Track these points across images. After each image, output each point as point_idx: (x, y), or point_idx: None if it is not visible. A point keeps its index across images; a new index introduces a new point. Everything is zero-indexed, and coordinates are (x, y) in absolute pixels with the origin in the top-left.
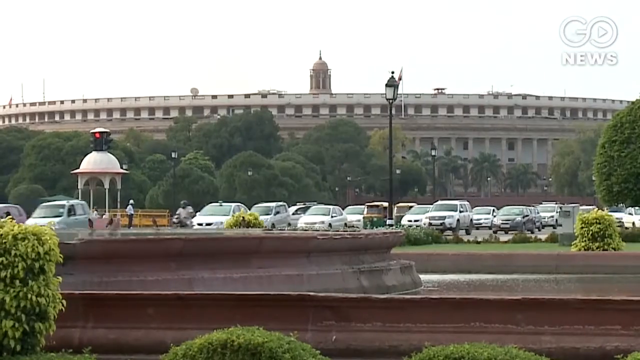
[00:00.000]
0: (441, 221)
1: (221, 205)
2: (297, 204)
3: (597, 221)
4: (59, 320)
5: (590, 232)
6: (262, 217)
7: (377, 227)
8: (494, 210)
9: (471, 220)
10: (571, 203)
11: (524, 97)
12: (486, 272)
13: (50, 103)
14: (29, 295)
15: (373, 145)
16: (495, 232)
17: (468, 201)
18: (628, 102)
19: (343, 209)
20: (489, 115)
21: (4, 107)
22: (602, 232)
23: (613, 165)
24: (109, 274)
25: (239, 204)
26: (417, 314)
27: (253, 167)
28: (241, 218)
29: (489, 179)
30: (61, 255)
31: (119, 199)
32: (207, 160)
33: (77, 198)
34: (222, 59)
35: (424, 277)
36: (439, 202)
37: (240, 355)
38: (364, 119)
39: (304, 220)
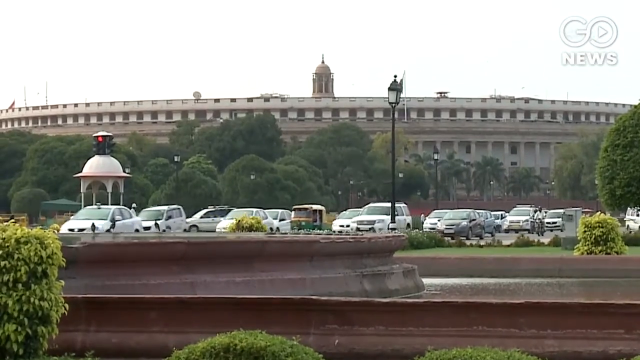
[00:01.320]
0: (370, 226)
1: (99, 209)
2: (209, 207)
3: (600, 225)
4: (61, 324)
5: (593, 236)
6: (148, 223)
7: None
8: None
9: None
10: (574, 207)
11: (527, 100)
12: (489, 276)
13: (53, 107)
14: (32, 299)
15: (375, 149)
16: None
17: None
18: (631, 105)
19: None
20: (491, 119)
21: (7, 110)
22: (604, 236)
23: (616, 169)
24: (112, 278)
25: (122, 207)
26: (420, 317)
27: (256, 171)
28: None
29: (491, 182)
30: (64, 259)
31: (121, 203)
32: (209, 164)
33: (80, 202)
34: (224, 62)
35: (426, 280)
36: (371, 205)
37: (242, 359)
38: (366, 123)
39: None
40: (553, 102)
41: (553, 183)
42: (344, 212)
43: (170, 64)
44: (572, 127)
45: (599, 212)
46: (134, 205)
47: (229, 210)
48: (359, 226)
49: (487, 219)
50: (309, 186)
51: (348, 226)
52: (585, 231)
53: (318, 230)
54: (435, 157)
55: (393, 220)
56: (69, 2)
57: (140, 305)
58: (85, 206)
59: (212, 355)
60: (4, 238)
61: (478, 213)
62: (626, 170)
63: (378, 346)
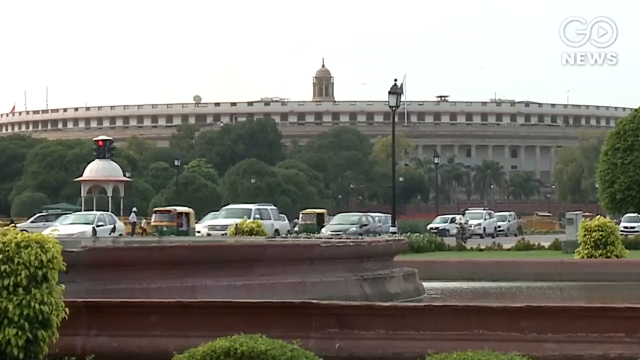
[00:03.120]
0: (222, 232)
1: (85, 214)
2: (44, 210)
3: (600, 228)
4: (62, 328)
5: (593, 240)
6: (82, 228)
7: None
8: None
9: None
10: (574, 210)
11: (527, 104)
12: (489, 280)
13: (53, 111)
14: (32, 303)
15: (376, 153)
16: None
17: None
18: (631, 109)
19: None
20: (491, 123)
21: (7, 115)
22: (604, 240)
23: (616, 173)
24: (112, 282)
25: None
26: (420, 321)
27: (256, 175)
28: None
29: (492, 186)
30: (64, 263)
31: (121, 207)
32: (210, 168)
33: (80, 206)
34: (225, 66)
35: (427, 284)
36: (230, 207)
37: None
38: (366, 127)
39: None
40: (553, 105)
41: (553, 187)
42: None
43: (170, 68)
44: (572, 131)
45: (599, 216)
46: (134, 209)
47: (64, 214)
48: (209, 231)
49: (385, 223)
50: (309, 190)
51: (199, 232)
52: (585, 235)
53: (184, 237)
54: (436, 161)
55: (394, 224)
56: (69, 6)
57: (141, 309)
58: (85, 210)
59: (212, 359)
60: (5, 242)
61: (371, 217)
62: (626, 174)
63: (379, 350)
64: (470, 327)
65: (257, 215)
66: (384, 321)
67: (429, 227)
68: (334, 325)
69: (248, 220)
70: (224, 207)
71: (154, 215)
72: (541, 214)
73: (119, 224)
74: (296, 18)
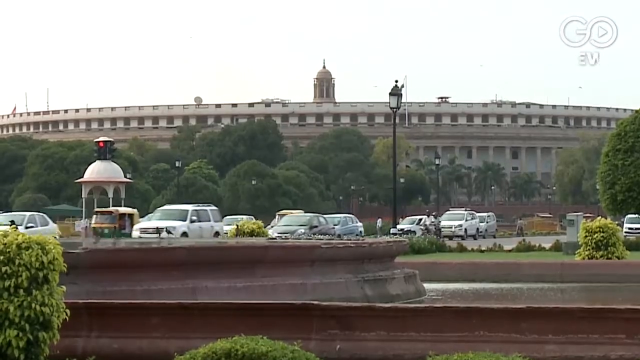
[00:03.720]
0: (155, 234)
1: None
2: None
3: (601, 230)
4: (63, 329)
5: (594, 241)
6: None
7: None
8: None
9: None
10: (575, 212)
11: (528, 105)
12: (490, 281)
13: (54, 112)
14: (33, 305)
15: (377, 154)
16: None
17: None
18: (632, 110)
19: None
20: (492, 124)
21: (8, 116)
22: (605, 241)
23: (617, 174)
24: (113, 283)
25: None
26: (421, 323)
27: (257, 177)
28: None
29: (492, 187)
30: (65, 265)
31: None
32: (211, 170)
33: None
34: (225, 67)
35: (427, 286)
36: (164, 208)
37: None
38: (367, 128)
39: None
40: (554, 106)
41: (554, 188)
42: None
43: (171, 69)
44: (573, 132)
45: (600, 217)
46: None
47: None
48: (141, 235)
49: (345, 225)
50: (310, 191)
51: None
52: (586, 236)
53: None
54: (437, 162)
55: (395, 225)
56: (70, 8)
57: (142, 310)
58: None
59: None
60: (6, 244)
61: (323, 219)
62: (627, 175)
63: (379, 351)
64: (471, 329)
65: (194, 217)
66: (384, 322)
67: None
68: (334, 326)
69: (184, 223)
70: (158, 208)
71: (94, 216)
72: (542, 215)
73: (52, 226)
74: (297, 19)
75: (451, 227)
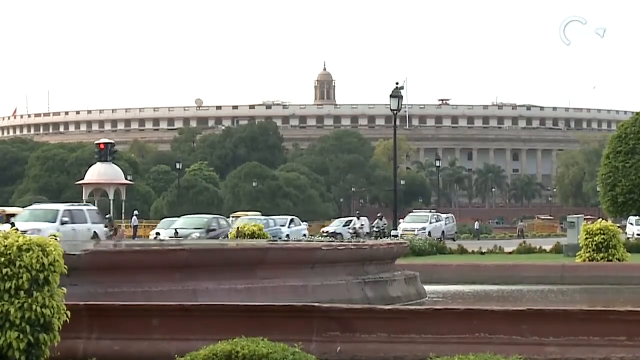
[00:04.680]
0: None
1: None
2: None
3: (602, 232)
4: (63, 331)
5: (595, 243)
6: None
7: None
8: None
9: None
10: (576, 214)
11: (528, 107)
12: (491, 283)
13: (54, 114)
14: (34, 307)
15: (377, 156)
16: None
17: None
18: (633, 112)
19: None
20: (493, 126)
21: (9, 118)
22: (606, 243)
23: (618, 176)
24: (114, 285)
25: None
26: (422, 324)
27: (257, 178)
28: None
29: (493, 189)
30: (66, 266)
31: (123, 210)
32: (211, 171)
33: None
34: (226, 69)
35: (428, 287)
36: (32, 207)
37: None
38: (368, 130)
39: None
40: (555, 108)
41: (555, 190)
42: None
43: (172, 71)
44: (573, 134)
45: (601, 219)
46: (136, 212)
47: None
48: None
49: (292, 226)
50: (310, 193)
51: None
52: (586, 238)
53: None
54: (437, 164)
55: (395, 227)
56: (71, 10)
57: (142, 312)
58: None
59: None
60: (6, 245)
61: (224, 221)
62: (628, 177)
63: (380, 353)
64: (471, 331)
65: (66, 219)
66: (385, 324)
67: (322, 230)
68: (335, 328)
69: (53, 225)
70: (26, 208)
71: None
72: (543, 217)
73: None
74: (298, 22)
75: (413, 230)
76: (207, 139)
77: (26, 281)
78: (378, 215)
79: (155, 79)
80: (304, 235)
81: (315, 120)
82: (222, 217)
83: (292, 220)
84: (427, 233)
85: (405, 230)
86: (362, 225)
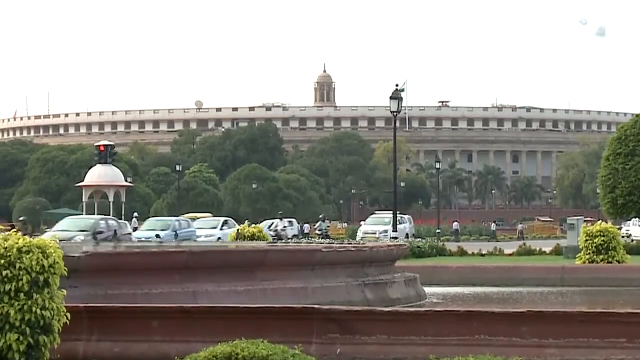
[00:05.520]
0: None
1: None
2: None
3: (601, 234)
4: (63, 333)
5: (594, 245)
6: None
7: None
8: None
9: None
10: (576, 216)
11: (528, 109)
12: (491, 285)
13: (54, 116)
14: (34, 308)
15: (377, 158)
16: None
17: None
18: (632, 114)
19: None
20: (493, 128)
21: (9, 120)
22: (606, 245)
23: (617, 178)
24: (114, 287)
25: None
26: (422, 326)
27: (257, 180)
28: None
29: (493, 191)
30: (65, 268)
31: (123, 212)
32: (211, 173)
33: (82, 211)
34: (226, 71)
35: (428, 289)
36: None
37: None
38: (368, 132)
39: None
40: (555, 110)
41: (555, 192)
42: None
43: (172, 73)
44: (573, 136)
45: (600, 221)
46: (135, 214)
47: None
48: None
49: (183, 229)
50: (310, 195)
51: None
52: (586, 240)
53: None
54: (437, 166)
55: (395, 229)
56: (70, 12)
57: (142, 314)
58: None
59: None
60: (6, 247)
61: (114, 222)
62: (628, 179)
63: (380, 355)
64: (471, 332)
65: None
66: (385, 326)
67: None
68: (335, 330)
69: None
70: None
71: None
72: (542, 219)
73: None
74: (298, 23)
75: (374, 233)
76: (207, 141)
77: (26, 283)
78: (320, 217)
79: (155, 81)
80: (195, 237)
81: (315, 122)
82: (111, 217)
83: (225, 222)
84: (389, 236)
85: (366, 233)
86: (284, 227)
